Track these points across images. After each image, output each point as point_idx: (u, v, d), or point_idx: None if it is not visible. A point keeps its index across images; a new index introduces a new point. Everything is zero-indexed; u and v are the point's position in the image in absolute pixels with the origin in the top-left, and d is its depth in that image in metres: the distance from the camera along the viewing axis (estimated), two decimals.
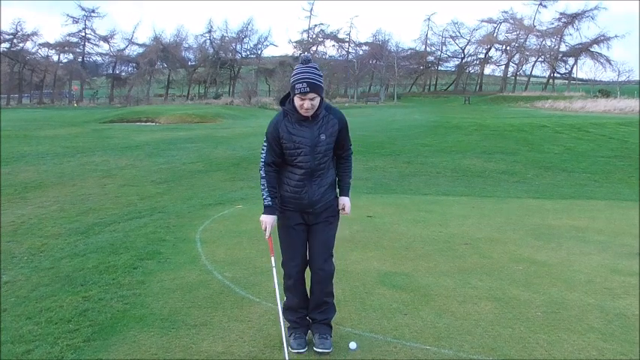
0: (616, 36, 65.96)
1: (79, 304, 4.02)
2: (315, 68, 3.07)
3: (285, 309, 3.37)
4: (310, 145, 3.11)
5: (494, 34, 71.66)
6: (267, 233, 3.19)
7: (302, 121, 3.12)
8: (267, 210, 3.16)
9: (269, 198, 3.15)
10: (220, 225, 6.81)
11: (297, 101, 3.06)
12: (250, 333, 3.45)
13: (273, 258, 3.25)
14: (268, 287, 4.28)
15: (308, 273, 3.38)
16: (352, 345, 3.21)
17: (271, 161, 3.16)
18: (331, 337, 3.27)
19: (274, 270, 3.25)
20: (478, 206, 8.65)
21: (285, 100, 3.20)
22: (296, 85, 3.01)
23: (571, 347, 3.29)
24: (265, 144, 3.19)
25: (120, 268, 4.92)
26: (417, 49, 75.91)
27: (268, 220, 3.16)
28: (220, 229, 6.54)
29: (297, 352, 3.17)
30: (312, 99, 3.03)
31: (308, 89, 2.99)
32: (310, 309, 3.35)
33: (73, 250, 5.90)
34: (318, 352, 3.19)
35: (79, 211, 8.50)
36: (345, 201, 3.30)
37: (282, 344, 3.10)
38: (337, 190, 3.37)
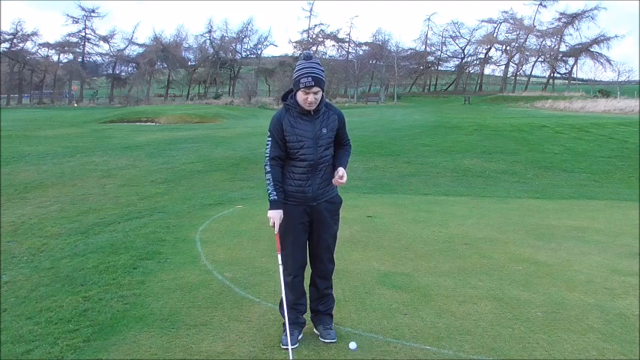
0: (616, 36, 66.20)
1: (79, 304, 4.02)
2: (318, 64, 3.16)
3: (281, 305, 3.39)
4: (312, 138, 3.18)
5: (494, 34, 71.70)
6: (277, 228, 3.19)
7: (304, 115, 3.19)
8: (274, 205, 3.17)
9: (274, 192, 3.17)
10: (220, 225, 6.81)
11: (301, 95, 3.14)
12: (250, 333, 3.45)
13: (280, 255, 3.24)
14: (268, 287, 4.28)
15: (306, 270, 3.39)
16: (352, 345, 3.21)
17: (276, 155, 3.20)
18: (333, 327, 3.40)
19: (281, 268, 3.23)
20: (478, 206, 8.65)
21: (287, 96, 3.26)
22: (301, 80, 3.09)
23: (571, 347, 3.29)
24: (269, 139, 3.23)
25: (120, 268, 4.92)
26: (417, 49, 76.01)
27: (276, 215, 3.17)
28: (220, 229, 6.54)
29: (285, 349, 3.16)
30: (315, 93, 3.12)
31: (313, 83, 3.08)
32: (312, 301, 3.43)
33: (73, 250, 5.90)
34: (326, 343, 3.27)
35: (79, 211, 8.50)
36: (342, 170, 3.23)
37: (288, 348, 3.10)
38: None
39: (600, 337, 3.43)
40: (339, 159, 3.34)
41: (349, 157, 3.43)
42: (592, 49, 66.25)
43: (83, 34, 68.95)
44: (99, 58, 72.41)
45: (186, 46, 73.68)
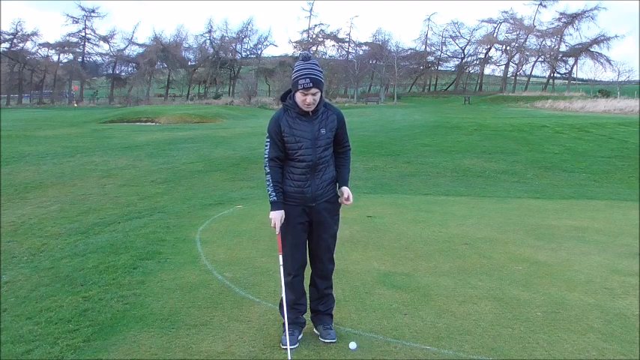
0: (616, 36, 66.23)
1: (79, 304, 4.02)
2: (316, 65, 3.15)
3: (281, 305, 3.39)
4: (311, 139, 3.18)
5: (494, 34, 71.72)
6: (278, 229, 3.20)
7: (302, 116, 3.19)
8: (275, 206, 3.19)
9: (274, 194, 3.18)
10: (220, 225, 6.81)
11: (299, 96, 3.14)
12: (250, 333, 3.45)
13: (281, 256, 3.24)
14: (268, 287, 4.28)
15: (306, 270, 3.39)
16: (352, 345, 3.21)
17: (275, 156, 3.20)
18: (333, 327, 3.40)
19: (282, 268, 3.24)
20: (478, 206, 8.65)
21: (286, 96, 3.26)
22: (299, 81, 3.09)
23: (571, 347, 3.29)
24: (268, 140, 3.23)
25: (120, 268, 4.92)
26: (417, 49, 76.02)
27: (277, 216, 3.18)
28: (220, 229, 6.54)
29: (285, 349, 3.15)
30: (314, 94, 3.12)
31: (311, 84, 3.08)
32: (312, 301, 3.43)
33: (73, 250, 5.90)
34: (326, 343, 3.27)
35: (79, 211, 8.50)
36: (347, 191, 3.29)
37: (287, 348, 3.10)
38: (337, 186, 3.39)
39: (600, 337, 3.43)
40: (341, 173, 3.34)
41: (350, 165, 3.41)
42: (592, 49, 66.28)
43: (83, 34, 68.98)
44: (99, 58, 72.54)
45: (186, 46, 73.80)
